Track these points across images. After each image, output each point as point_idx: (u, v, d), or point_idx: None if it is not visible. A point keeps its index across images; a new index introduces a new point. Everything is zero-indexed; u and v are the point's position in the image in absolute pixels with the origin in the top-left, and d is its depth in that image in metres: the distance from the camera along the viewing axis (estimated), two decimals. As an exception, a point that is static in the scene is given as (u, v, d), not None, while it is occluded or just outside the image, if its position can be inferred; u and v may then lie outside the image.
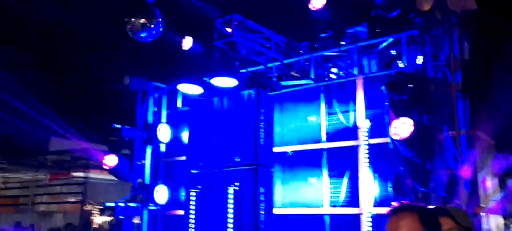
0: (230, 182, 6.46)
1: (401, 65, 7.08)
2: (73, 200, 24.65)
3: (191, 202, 6.74)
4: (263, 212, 6.28)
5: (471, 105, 6.17)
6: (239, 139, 6.57)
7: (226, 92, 6.77)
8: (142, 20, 6.41)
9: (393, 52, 7.32)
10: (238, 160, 6.49)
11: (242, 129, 6.57)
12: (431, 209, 2.53)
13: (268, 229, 6.34)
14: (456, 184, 5.76)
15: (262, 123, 6.48)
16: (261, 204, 6.28)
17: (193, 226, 6.69)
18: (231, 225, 6.28)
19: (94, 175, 25.20)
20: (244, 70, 7.29)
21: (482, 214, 5.68)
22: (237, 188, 6.36)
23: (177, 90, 8.72)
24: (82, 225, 22.44)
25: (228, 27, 7.07)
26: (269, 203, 6.45)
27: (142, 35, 6.51)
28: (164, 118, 8.59)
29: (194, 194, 6.73)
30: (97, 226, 24.15)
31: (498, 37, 6.61)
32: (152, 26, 6.48)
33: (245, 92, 6.62)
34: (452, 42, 6.14)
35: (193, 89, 6.89)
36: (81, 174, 23.95)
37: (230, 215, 6.31)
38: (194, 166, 6.98)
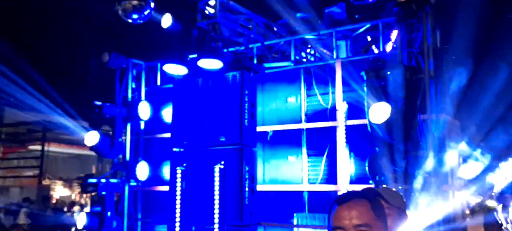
0: (215, 160, 6.92)
1: (376, 50, 7.68)
2: (30, 174, 24.42)
3: (177, 179, 7.16)
4: (247, 189, 6.78)
5: (441, 90, 6.80)
6: (224, 120, 7.01)
7: (210, 73, 7.16)
8: (133, 2, 6.69)
9: (369, 38, 7.89)
10: (223, 139, 6.94)
11: (227, 110, 7.01)
12: (365, 190, 2.41)
13: (252, 206, 6.86)
14: (426, 164, 6.40)
15: (246, 104, 6.93)
16: (246, 182, 6.78)
17: (179, 202, 7.12)
18: (217, 202, 6.76)
19: (52, 148, 24.98)
20: (225, 50, 7.69)
21: (450, 191, 6.37)
22: (222, 167, 6.82)
23: (155, 67, 9.05)
24: (40, 200, 22.26)
25: (210, 7, 7.42)
26: (253, 181, 6.96)
27: (134, 16, 6.80)
28: (143, 95, 8.91)
29: (179, 171, 7.15)
30: (56, 201, 24.12)
31: (469, 26, 7.25)
32: (144, 7, 6.77)
33: (230, 74, 7.03)
34: (426, 32, 6.72)
35: (178, 70, 7.24)
36: (38, 147, 23.70)
37: (216, 192, 6.78)
38: (178, 144, 7.38)
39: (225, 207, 6.82)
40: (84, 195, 25.67)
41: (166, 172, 8.55)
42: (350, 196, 2.14)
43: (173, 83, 7.73)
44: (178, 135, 7.45)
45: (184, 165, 7.21)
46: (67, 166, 30.93)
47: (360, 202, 2.09)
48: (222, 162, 6.87)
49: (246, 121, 6.92)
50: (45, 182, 24.77)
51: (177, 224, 7.07)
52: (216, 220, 6.75)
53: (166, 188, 8.40)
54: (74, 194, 26.62)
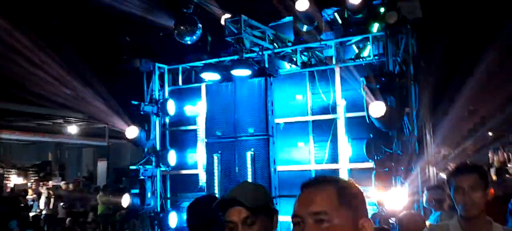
0: (246, 148, 9.39)
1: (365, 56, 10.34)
2: (-17, 162, 25.44)
3: (214, 164, 9.59)
4: (272, 170, 9.32)
5: (419, 89, 9.57)
6: (252, 115, 9.46)
7: (238, 78, 9.58)
8: (186, 27, 8.98)
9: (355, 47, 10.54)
10: (252, 131, 9.41)
11: (254, 108, 9.47)
12: (337, 177, 2.24)
13: (275, 182, 9.41)
14: (409, 146, 9.16)
15: (268, 103, 9.42)
16: (271, 164, 9.31)
17: (217, 181, 9.56)
18: (249, 180, 9.24)
19: (4, 135, 26.17)
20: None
21: (430, 167, 9.16)
22: (252, 153, 9.31)
23: (176, 70, 11.34)
24: (-9, 189, 23.19)
25: (235, 24, 9.79)
26: (274, 163, 9.50)
27: (187, 39, 9.11)
28: (166, 93, 11.20)
29: (216, 157, 9.58)
30: (10, 190, 25.37)
31: (437, 38, 10.07)
32: (195, 32, 9.08)
33: (255, 80, 9.47)
34: (407, 44, 9.43)
35: (212, 76, 9.61)
36: (-10, 135, 24.75)
37: (249, 172, 9.27)
38: (213, 136, 9.80)
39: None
40: (42, 183, 27.01)
41: (190, 158, 10.97)
42: (316, 181, 2.04)
43: (207, 86, 10.07)
44: (212, 128, 9.84)
45: (219, 152, 9.63)
46: (22, 153, 31.88)
47: (325, 187, 1.97)
48: (252, 149, 9.36)
49: (270, 116, 9.42)
50: (-1, 170, 25.68)
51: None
52: (250, 195, 9.23)
53: (190, 171, 10.87)
54: (30, 182, 27.76)
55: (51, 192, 25.24)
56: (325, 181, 2.01)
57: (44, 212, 23.10)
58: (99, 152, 30.83)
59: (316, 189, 1.99)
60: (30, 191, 25.51)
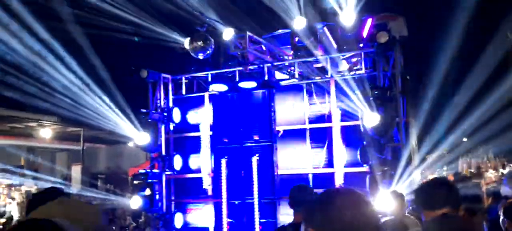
0: (252, 153, 10.66)
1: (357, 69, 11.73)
2: None
3: (222, 167, 10.81)
4: (275, 173, 10.61)
5: (406, 101, 11.02)
6: (257, 123, 10.74)
7: (243, 89, 10.85)
8: (200, 44, 10.20)
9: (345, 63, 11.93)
10: (257, 138, 10.69)
11: (258, 117, 10.75)
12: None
13: (277, 184, 10.71)
14: (398, 152, 10.59)
15: (272, 113, 10.73)
16: (274, 168, 10.61)
17: (225, 184, 10.78)
18: (255, 182, 10.51)
19: None
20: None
21: (416, 170, 10.59)
22: (258, 158, 10.58)
23: (179, 79, 12.53)
24: None
25: (240, 40, 11.04)
26: (277, 168, 10.80)
27: (200, 56, 10.35)
28: (171, 102, 12.38)
29: (224, 162, 10.81)
30: None
31: (422, 55, 11.57)
32: (208, 48, 10.32)
33: (260, 91, 10.76)
34: (396, 60, 10.87)
35: (220, 87, 10.85)
36: None
37: (254, 175, 10.53)
38: (220, 142, 11.03)
39: (259, 186, 10.59)
40: (14, 188, 27.26)
41: (192, 163, 12.17)
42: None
43: (211, 95, 11.30)
44: (219, 135, 11.08)
45: (226, 157, 10.87)
46: (-7, 157, 32.03)
47: None
48: (257, 154, 10.63)
49: (272, 124, 10.72)
50: None
51: (224, 201, 10.74)
52: (255, 195, 10.52)
53: (193, 175, 12.07)
54: (1, 187, 27.98)
55: (23, 197, 25.44)
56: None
57: (16, 218, 23.42)
58: (73, 156, 31.43)
59: None
60: (2, 197, 25.70)
